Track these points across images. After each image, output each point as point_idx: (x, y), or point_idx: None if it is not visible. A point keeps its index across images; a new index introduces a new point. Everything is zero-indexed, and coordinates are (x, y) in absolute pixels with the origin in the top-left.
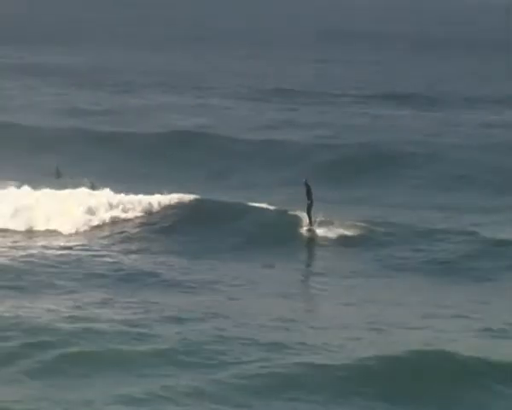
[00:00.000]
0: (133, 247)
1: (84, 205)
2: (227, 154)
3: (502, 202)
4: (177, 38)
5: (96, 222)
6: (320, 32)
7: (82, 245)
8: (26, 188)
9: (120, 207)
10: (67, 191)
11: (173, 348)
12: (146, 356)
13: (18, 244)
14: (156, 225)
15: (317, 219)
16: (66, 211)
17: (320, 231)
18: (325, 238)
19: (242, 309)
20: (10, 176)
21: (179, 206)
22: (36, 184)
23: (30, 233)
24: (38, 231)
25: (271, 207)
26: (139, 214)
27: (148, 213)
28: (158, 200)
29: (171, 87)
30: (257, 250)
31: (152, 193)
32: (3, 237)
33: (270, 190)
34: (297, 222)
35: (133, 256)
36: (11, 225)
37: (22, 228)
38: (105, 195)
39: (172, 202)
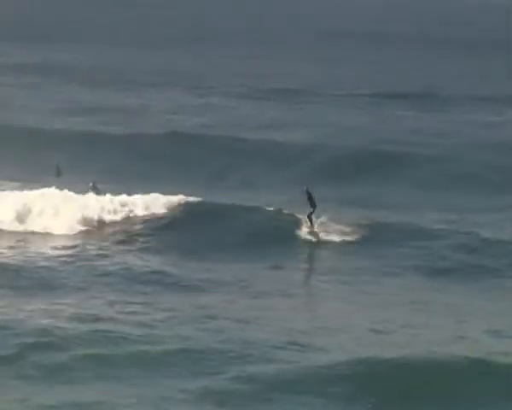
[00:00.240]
0: (133, 247)
1: (83, 205)
2: (227, 153)
3: (503, 201)
4: (178, 38)
5: (95, 224)
6: (320, 31)
7: (80, 246)
8: (25, 188)
9: (120, 207)
10: (65, 191)
11: (178, 348)
12: (153, 357)
13: (16, 245)
14: (156, 226)
15: (318, 220)
16: (66, 211)
17: (321, 233)
18: (326, 239)
19: (243, 309)
20: (10, 176)
21: (179, 207)
22: (36, 184)
23: (28, 234)
24: (36, 233)
25: (272, 209)
26: (139, 215)
27: (148, 213)
28: (157, 201)
29: (172, 86)
30: (258, 251)
31: (151, 193)
32: (2, 237)
33: (271, 190)
34: (298, 223)
35: (133, 256)
36: (9, 226)
37: (20, 228)
38: (105, 195)
39: (172, 203)
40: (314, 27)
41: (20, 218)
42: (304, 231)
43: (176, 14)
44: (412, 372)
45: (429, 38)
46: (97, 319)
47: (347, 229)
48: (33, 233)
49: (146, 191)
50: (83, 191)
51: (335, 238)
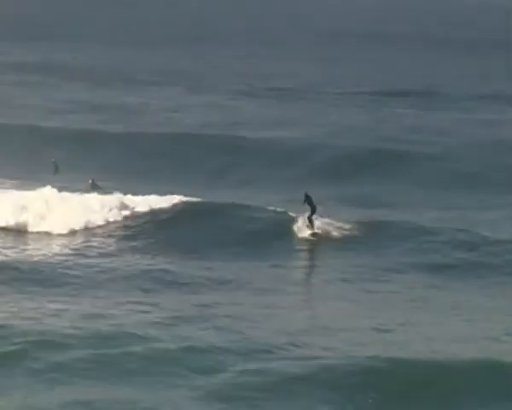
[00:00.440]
0: (133, 246)
1: (83, 205)
2: (227, 152)
3: (503, 200)
4: (178, 38)
5: (95, 223)
6: (320, 31)
7: (80, 245)
8: (24, 186)
9: (120, 206)
10: (65, 191)
11: (179, 347)
12: (154, 356)
13: (17, 245)
14: (156, 225)
15: (317, 220)
16: (66, 211)
17: (321, 232)
18: (326, 237)
19: (244, 308)
20: (9, 174)
21: (179, 206)
22: (35, 182)
23: (25, 233)
24: (32, 232)
25: (272, 208)
26: (139, 214)
27: (147, 212)
28: (157, 199)
29: (172, 85)
30: (258, 250)
31: (151, 192)
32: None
33: (271, 189)
34: (298, 223)
35: (133, 256)
36: (9, 225)
37: (21, 228)
38: (105, 195)
39: (172, 202)
40: (314, 27)
41: (21, 218)
42: (304, 231)
43: (176, 13)
44: (413, 371)
45: (429, 37)
46: (99, 318)
47: (347, 227)
48: (32, 233)
49: (145, 190)
50: (82, 189)
51: (335, 236)
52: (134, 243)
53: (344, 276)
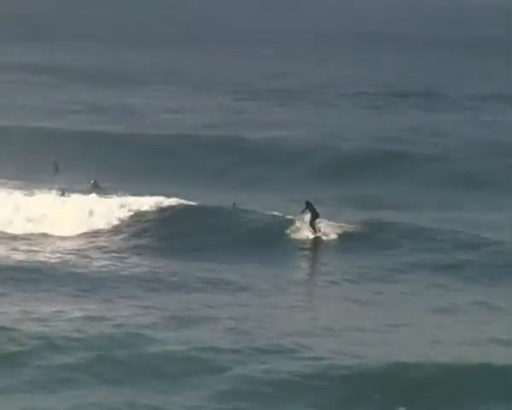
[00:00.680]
0: (134, 249)
1: (85, 207)
2: (228, 153)
3: (503, 200)
4: (178, 38)
5: (94, 225)
6: (320, 32)
7: (82, 247)
8: (25, 187)
9: (121, 208)
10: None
11: (181, 349)
12: (154, 358)
13: (16, 247)
14: (157, 227)
15: (321, 223)
16: (69, 213)
17: (322, 234)
18: (327, 239)
19: (245, 309)
20: (9, 175)
21: (179, 207)
22: (37, 185)
23: (23, 237)
24: (35, 235)
25: (273, 209)
26: (139, 216)
27: (147, 215)
28: (157, 202)
29: (173, 86)
30: (258, 252)
31: (151, 194)
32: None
33: (271, 190)
34: (299, 225)
35: (134, 258)
36: (9, 229)
37: (20, 232)
38: (107, 198)
39: (172, 204)
40: (315, 28)
41: (27, 220)
42: (305, 232)
43: (176, 14)
44: (416, 372)
45: (429, 38)
46: (103, 320)
47: (348, 228)
48: (35, 235)
49: (146, 191)
50: (84, 190)
51: (336, 238)
52: (136, 245)
53: (345, 277)
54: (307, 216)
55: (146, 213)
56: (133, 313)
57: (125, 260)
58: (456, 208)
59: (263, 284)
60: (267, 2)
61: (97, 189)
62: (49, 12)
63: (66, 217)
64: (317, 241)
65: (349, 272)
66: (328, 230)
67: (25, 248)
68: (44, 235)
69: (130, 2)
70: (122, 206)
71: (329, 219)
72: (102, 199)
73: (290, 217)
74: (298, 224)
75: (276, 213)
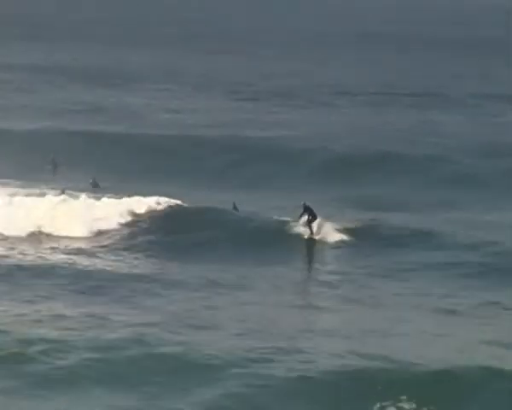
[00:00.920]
0: (133, 251)
1: (86, 209)
2: (229, 154)
3: (503, 201)
4: (179, 38)
5: (94, 226)
6: (320, 32)
7: (78, 249)
8: (27, 187)
9: (122, 210)
10: (62, 196)
11: (178, 352)
12: (153, 361)
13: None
14: (156, 229)
15: (318, 229)
16: (71, 215)
17: (321, 236)
18: (326, 240)
19: (244, 311)
20: (12, 176)
21: (179, 209)
22: (38, 184)
23: (24, 239)
24: (30, 236)
25: (273, 210)
26: (138, 218)
27: (146, 216)
28: (156, 203)
29: (173, 86)
30: (257, 254)
31: (151, 195)
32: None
33: (271, 191)
34: (298, 227)
35: (133, 260)
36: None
37: (21, 233)
38: (108, 199)
39: (172, 205)
40: (315, 28)
41: (32, 223)
42: (304, 234)
43: (176, 14)
44: (419, 374)
45: (429, 37)
46: (102, 322)
47: (348, 228)
48: (32, 236)
49: (146, 192)
50: (83, 188)
51: (336, 238)
52: (136, 246)
53: (346, 278)
54: (305, 218)
55: (146, 214)
56: (133, 314)
57: (126, 261)
58: (456, 209)
59: (263, 285)
60: (267, 2)
61: (96, 186)
62: (49, 12)
63: (65, 218)
64: (316, 242)
65: (349, 272)
66: (328, 230)
67: (25, 248)
68: (44, 236)
69: (130, 2)
70: (122, 206)
71: (329, 220)
72: (102, 199)
73: (290, 218)
74: (297, 225)
75: (276, 213)
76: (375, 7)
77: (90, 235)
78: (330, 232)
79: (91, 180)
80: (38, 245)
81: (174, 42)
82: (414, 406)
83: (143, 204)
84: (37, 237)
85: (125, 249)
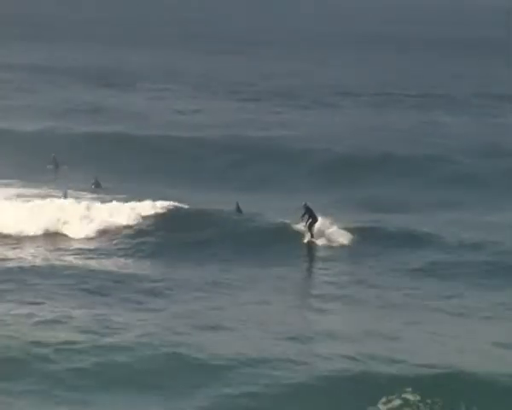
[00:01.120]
0: (133, 253)
1: (89, 211)
2: (229, 155)
3: (504, 202)
4: (182, 38)
5: (94, 228)
6: (320, 32)
7: (78, 251)
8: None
9: (122, 212)
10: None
11: (179, 354)
12: (152, 365)
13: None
14: (157, 231)
15: (316, 228)
16: (74, 216)
17: (322, 239)
18: (326, 244)
19: (246, 314)
20: (13, 176)
21: (179, 211)
22: (38, 184)
23: (30, 240)
24: (30, 236)
25: (274, 212)
26: (137, 220)
27: (147, 219)
28: (157, 204)
29: (174, 86)
30: (258, 256)
31: (151, 196)
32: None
33: (271, 193)
34: (298, 230)
35: (133, 262)
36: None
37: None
38: (105, 195)
39: (172, 208)
40: (315, 29)
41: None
42: (305, 237)
43: (176, 14)
44: (421, 377)
45: (429, 38)
46: (104, 325)
47: (348, 229)
48: (32, 236)
49: (147, 192)
50: (85, 188)
51: (338, 240)
52: (140, 248)
53: (346, 278)
54: (306, 219)
55: (150, 215)
56: (134, 317)
57: (130, 263)
58: (457, 210)
59: (265, 286)
60: (267, 2)
61: (98, 187)
62: (49, 12)
63: (69, 219)
64: (317, 243)
65: (352, 273)
66: (331, 230)
67: (31, 249)
68: (49, 237)
69: (130, 2)
70: (126, 208)
71: (331, 220)
72: (102, 201)
73: (292, 219)
74: (298, 227)
75: (278, 214)
76: (375, 7)
77: (94, 236)
78: (332, 233)
79: (93, 181)
80: (44, 246)
81: (174, 42)
82: (418, 398)
83: (147, 206)
84: (42, 238)
85: (129, 251)
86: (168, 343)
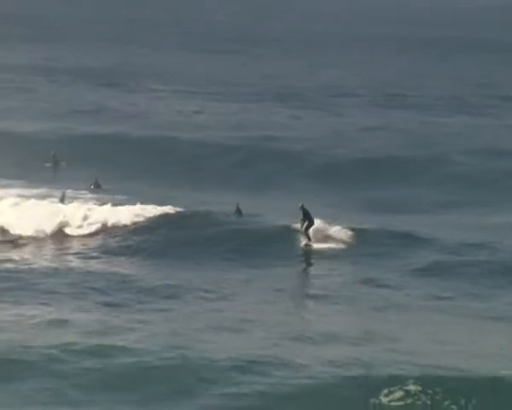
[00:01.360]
0: (133, 256)
1: (82, 212)
2: (229, 157)
3: (504, 203)
4: (182, 38)
5: (93, 229)
6: (320, 32)
7: (79, 252)
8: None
9: (122, 215)
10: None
11: (176, 358)
12: (150, 369)
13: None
14: (156, 234)
15: (313, 232)
16: (75, 217)
17: (319, 243)
18: (324, 247)
19: (243, 317)
20: (14, 176)
21: (179, 214)
22: (39, 184)
23: (30, 240)
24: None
25: (273, 215)
26: (137, 223)
27: (147, 221)
28: (158, 209)
29: (174, 86)
30: (257, 259)
31: (152, 197)
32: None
33: (270, 195)
34: (296, 233)
35: (133, 266)
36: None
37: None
38: (105, 195)
39: (171, 211)
40: (316, 30)
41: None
42: (303, 240)
43: (176, 14)
44: (422, 379)
45: (429, 38)
46: (104, 327)
47: (351, 231)
48: (36, 238)
49: (148, 193)
50: (85, 189)
51: (338, 241)
52: (141, 250)
53: (347, 279)
54: (304, 222)
55: (150, 217)
56: (135, 318)
57: (127, 264)
58: (457, 211)
59: (264, 287)
60: (267, 2)
61: (98, 187)
62: (50, 12)
63: (68, 220)
64: (314, 249)
65: (350, 273)
66: (331, 232)
67: (32, 250)
68: (49, 238)
69: (130, 2)
70: (124, 209)
71: (332, 221)
72: (102, 201)
73: (291, 220)
74: (297, 229)
75: (279, 215)
76: (375, 7)
77: (94, 237)
78: (333, 234)
79: (93, 181)
80: (44, 247)
81: (175, 42)
82: (420, 388)
83: (147, 207)
84: (42, 238)
85: (129, 252)
86: (169, 343)
